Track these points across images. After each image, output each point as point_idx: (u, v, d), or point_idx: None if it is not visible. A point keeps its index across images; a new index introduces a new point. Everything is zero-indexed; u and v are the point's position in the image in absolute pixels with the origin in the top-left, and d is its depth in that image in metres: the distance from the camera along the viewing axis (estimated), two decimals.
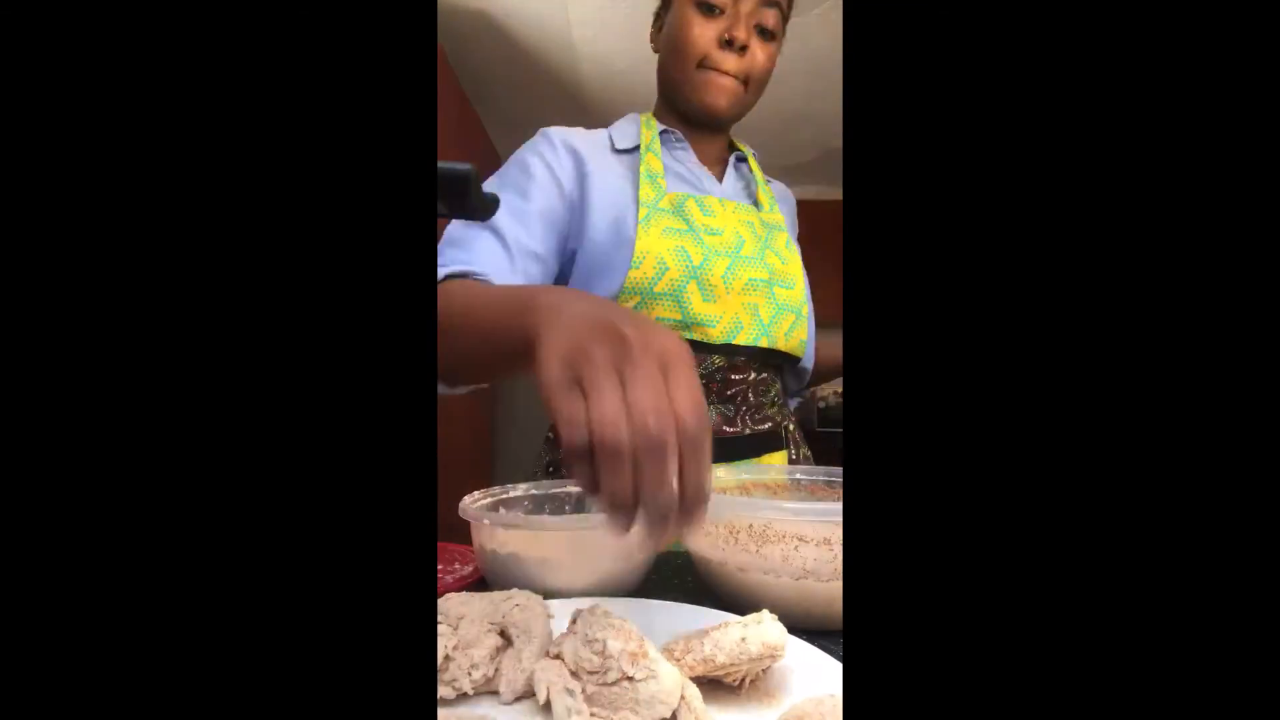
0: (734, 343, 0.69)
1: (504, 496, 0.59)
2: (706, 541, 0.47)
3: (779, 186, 0.87)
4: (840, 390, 3.26)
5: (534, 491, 0.61)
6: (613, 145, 0.74)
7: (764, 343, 0.71)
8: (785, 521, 0.43)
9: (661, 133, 0.75)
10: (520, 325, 0.36)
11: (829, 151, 2.91)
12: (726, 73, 0.69)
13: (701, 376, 0.68)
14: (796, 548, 0.43)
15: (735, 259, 0.69)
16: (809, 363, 0.81)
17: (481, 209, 0.41)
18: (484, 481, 0.61)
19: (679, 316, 0.67)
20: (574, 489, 0.62)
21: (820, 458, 0.81)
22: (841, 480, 0.59)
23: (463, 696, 0.33)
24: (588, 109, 2.56)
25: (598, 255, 0.68)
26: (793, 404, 0.87)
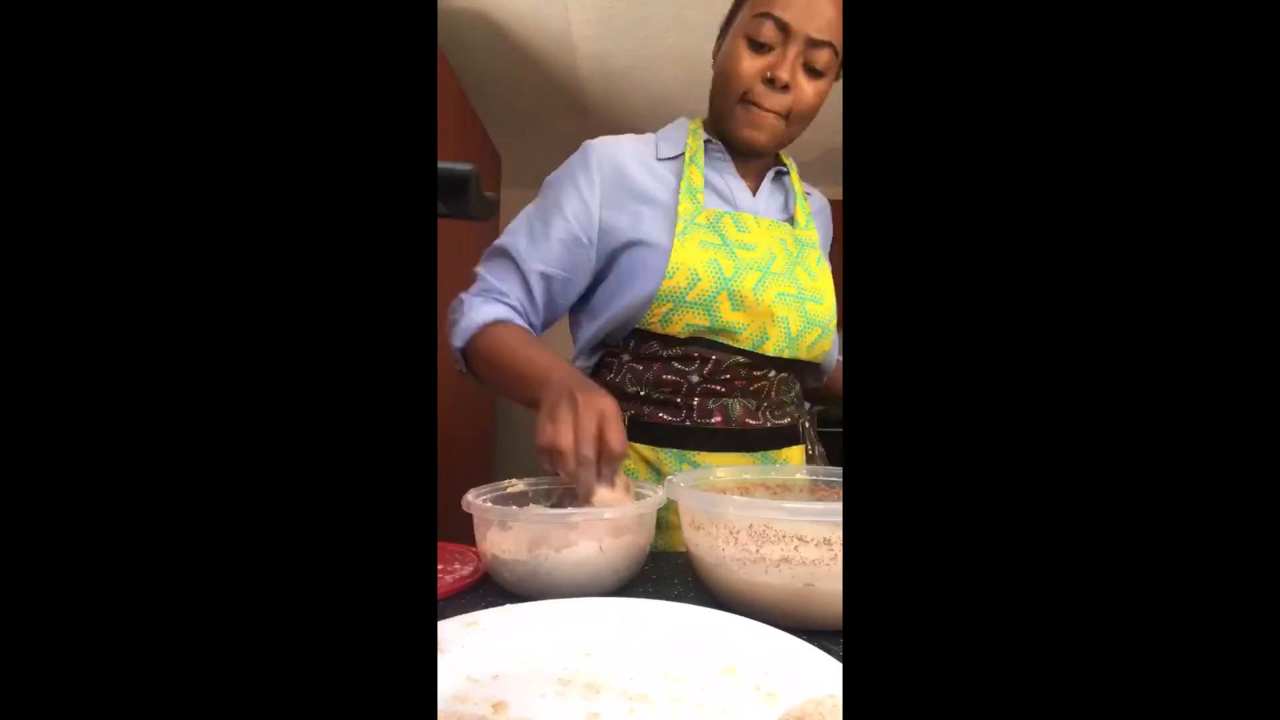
0: (758, 351, 0.73)
1: (507, 491, 0.60)
2: (706, 542, 0.47)
3: (817, 199, 0.88)
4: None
5: (539, 486, 0.62)
6: (657, 153, 0.78)
7: (787, 354, 0.74)
8: (785, 521, 0.43)
9: (706, 143, 0.78)
10: (533, 389, 0.63)
11: (829, 151, 2.91)
12: (768, 110, 0.70)
13: (725, 370, 0.73)
14: (796, 548, 0.43)
15: (766, 273, 0.72)
16: (828, 366, 0.87)
17: (481, 209, 0.41)
18: (484, 479, 0.62)
19: (708, 323, 0.70)
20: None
21: (820, 458, 0.82)
22: (841, 480, 0.59)
23: None
24: (588, 109, 2.56)
25: (635, 260, 0.72)
26: (806, 405, 0.90)
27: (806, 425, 0.82)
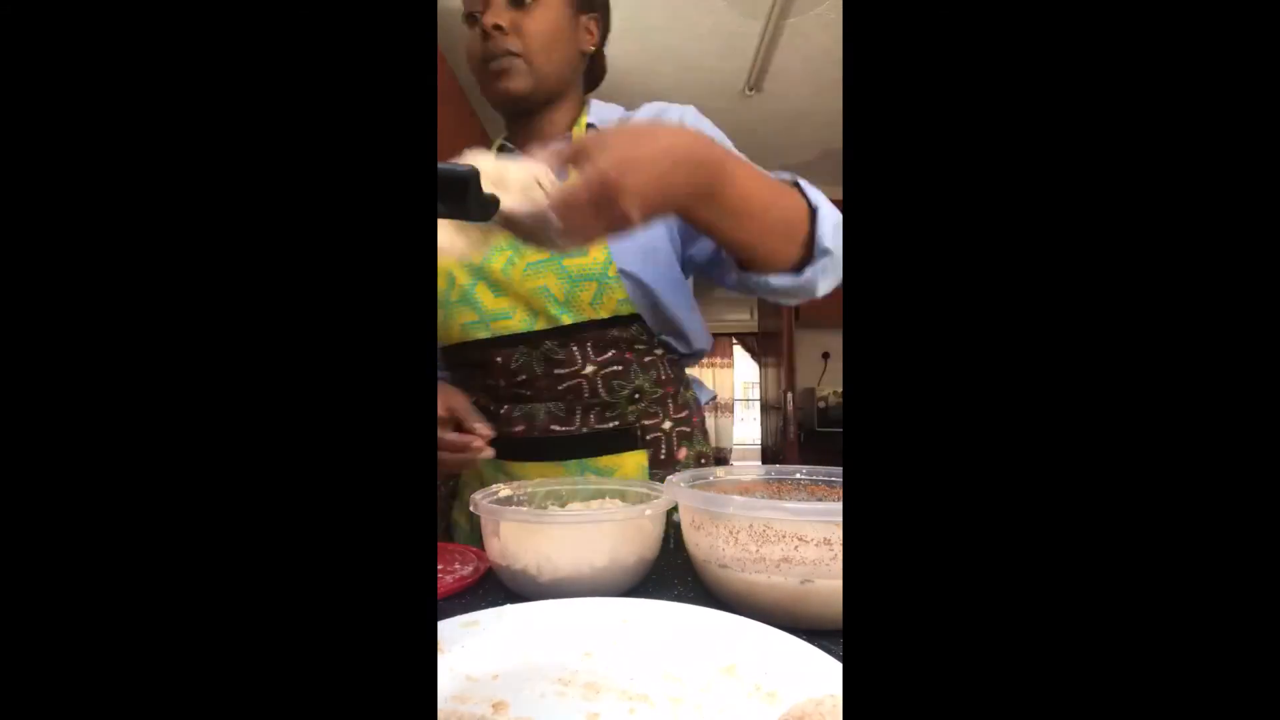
0: (534, 330, 0.70)
1: (515, 492, 0.60)
2: (706, 542, 0.47)
3: (646, 112, 0.78)
4: (840, 390, 3.26)
5: (548, 487, 0.62)
6: None
7: (566, 319, 0.69)
8: (785, 521, 0.43)
9: (499, 149, 0.78)
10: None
11: (829, 151, 2.91)
12: (499, 54, 0.69)
13: (520, 369, 0.70)
14: (796, 548, 0.43)
15: (515, 249, 0.70)
16: (688, 322, 0.75)
17: (481, 210, 0.41)
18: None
19: (477, 317, 0.71)
20: (569, 485, 0.63)
21: (820, 458, 0.80)
22: (841, 480, 0.59)
23: None
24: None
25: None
26: (704, 398, 0.82)
27: (668, 426, 0.74)
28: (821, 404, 3.19)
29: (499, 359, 0.71)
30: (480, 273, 0.70)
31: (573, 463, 0.71)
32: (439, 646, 0.37)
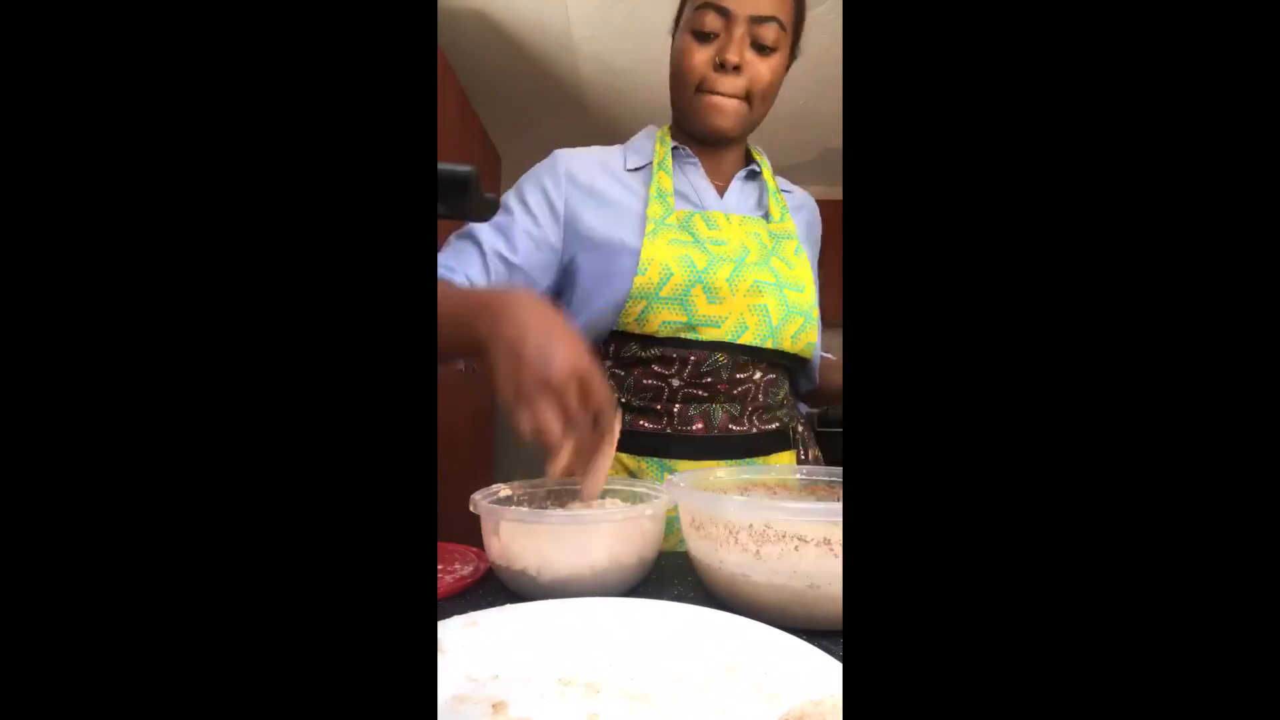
0: (739, 342, 0.72)
1: (515, 492, 0.60)
2: (706, 542, 0.47)
3: (798, 195, 0.88)
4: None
5: (548, 487, 0.62)
6: (625, 164, 0.79)
7: (769, 344, 0.73)
8: (785, 521, 0.43)
9: (674, 149, 0.79)
10: (471, 329, 0.52)
11: (829, 151, 2.91)
12: (724, 94, 0.72)
13: (706, 372, 0.71)
14: (796, 548, 0.43)
15: (740, 264, 0.72)
16: (816, 361, 0.84)
17: (480, 210, 0.41)
18: (485, 480, 0.62)
19: (685, 319, 0.70)
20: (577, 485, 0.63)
21: (820, 458, 0.82)
22: (841, 480, 0.59)
23: None
24: (588, 109, 2.56)
25: (606, 262, 0.72)
26: (802, 410, 0.89)
27: (800, 429, 0.81)
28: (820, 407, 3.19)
29: (693, 358, 0.72)
30: (701, 277, 0.70)
31: (742, 461, 0.74)
32: (439, 646, 0.37)
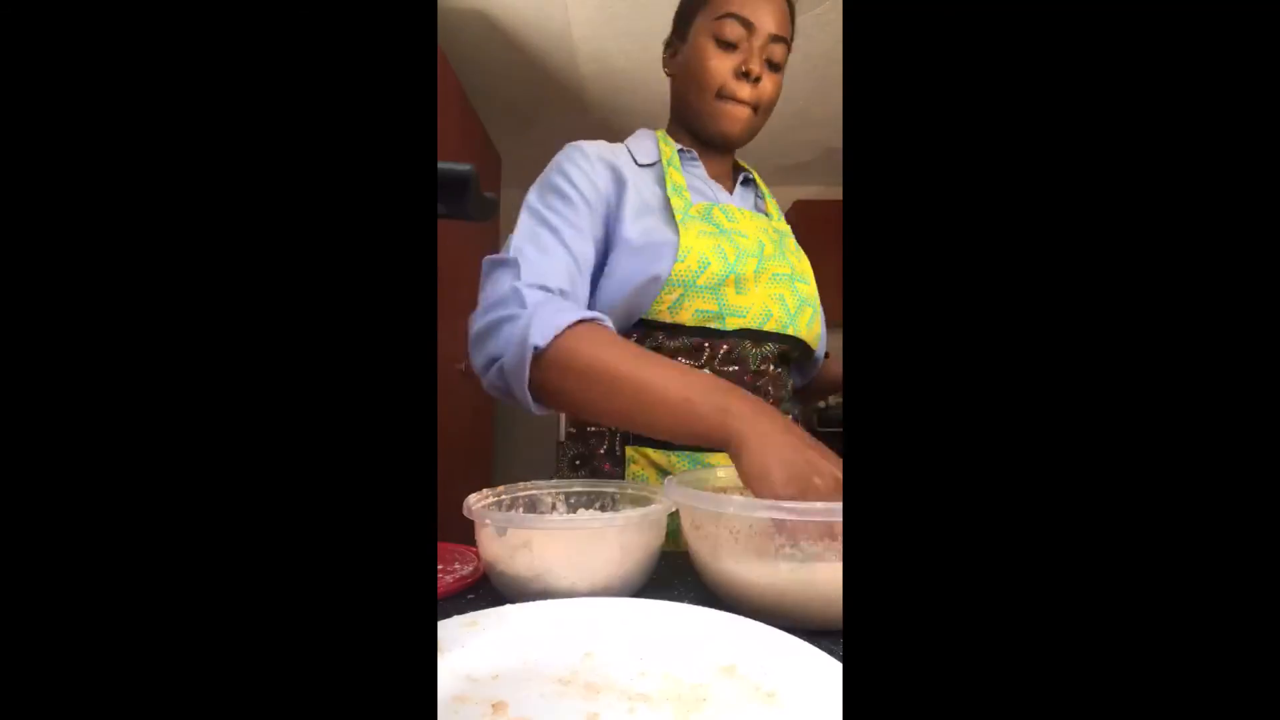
0: (763, 328, 0.74)
1: (510, 496, 0.59)
2: (706, 542, 0.47)
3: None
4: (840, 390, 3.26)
5: (543, 490, 0.61)
6: (635, 160, 0.80)
7: (791, 330, 0.76)
8: (785, 521, 0.43)
9: (678, 150, 0.81)
10: (721, 424, 0.51)
11: (829, 151, 2.91)
12: (742, 101, 0.75)
13: (733, 360, 0.74)
14: (797, 547, 0.43)
15: (761, 258, 0.75)
16: (820, 355, 0.88)
17: (481, 209, 0.41)
18: (485, 480, 0.62)
19: (715, 308, 0.72)
20: (580, 488, 0.63)
21: None
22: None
23: None
24: (588, 109, 2.56)
25: (634, 254, 0.71)
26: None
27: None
28: (821, 404, 3.19)
29: (725, 347, 0.74)
30: (733, 268, 0.72)
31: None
32: (439, 646, 0.37)
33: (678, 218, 0.72)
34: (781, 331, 0.76)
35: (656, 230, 0.72)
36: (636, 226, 0.72)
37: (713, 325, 0.73)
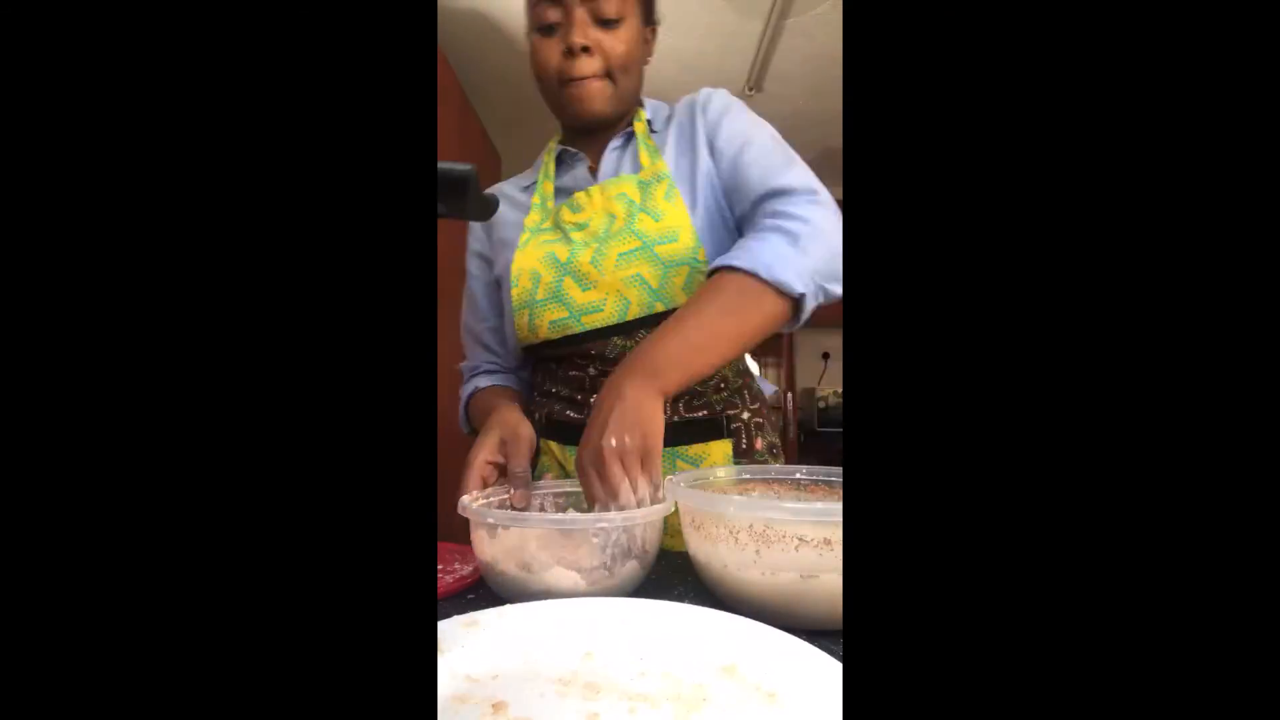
0: (627, 319, 0.70)
1: (503, 495, 0.59)
2: (706, 541, 0.47)
3: (676, 107, 0.82)
4: (840, 390, 3.26)
5: (536, 491, 0.61)
6: (520, 190, 0.83)
7: (659, 307, 0.70)
8: (785, 521, 0.43)
9: (560, 152, 0.80)
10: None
11: (829, 151, 2.91)
12: (584, 77, 0.71)
13: (608, 361, 0.71)
14: (796, 548, 0.42)
15: (602, 241, 0.71)
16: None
17: (480, 209, 0.41)
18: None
19: (567, 313, 0.71)
20: (570, 488, 0.63)
21: (820, 458, 0.80)
22: (841, 480, 0.59)
23: None
24: None
25: (501, 290, 0.79)
26: (768, 391, 0.89)
27: (746, 416, 0.76)
28: (821, 404, 3.19)
29: (592, 350, 0.71)
30: (566, 268, 0.71)
31: (665, 451, 0.68)
32: (439, 646, 0.37)
33: (522, 239, 0.74)
34: (650, 314, 0.70)
35: (504, 266, 0.77)
36: (497, 268, 0.79)
37: (573, 330, 0.71)
